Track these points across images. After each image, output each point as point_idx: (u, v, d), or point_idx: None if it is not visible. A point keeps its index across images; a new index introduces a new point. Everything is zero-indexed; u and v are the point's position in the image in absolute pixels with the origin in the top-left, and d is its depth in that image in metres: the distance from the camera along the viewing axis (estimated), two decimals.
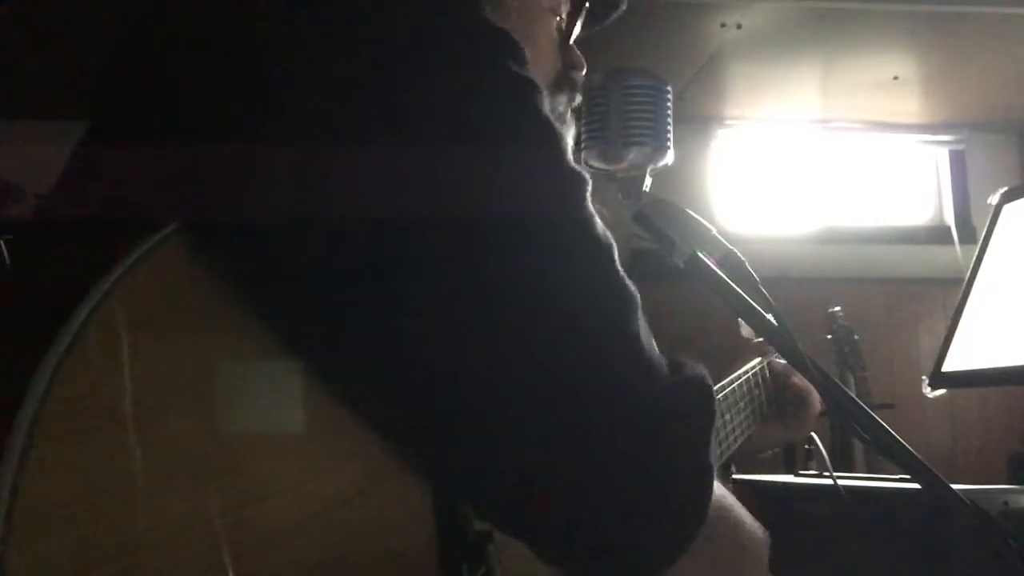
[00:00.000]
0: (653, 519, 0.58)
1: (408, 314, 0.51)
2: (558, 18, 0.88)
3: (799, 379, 1.26)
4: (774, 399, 1.28)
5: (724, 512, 0.66)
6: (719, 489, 0.64)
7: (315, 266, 0.51)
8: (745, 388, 1.20)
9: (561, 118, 0.92)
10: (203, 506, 0.48)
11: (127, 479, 0.45)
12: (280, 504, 0.51)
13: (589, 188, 0.58)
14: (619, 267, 0.59)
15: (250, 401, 0.52)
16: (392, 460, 0.59)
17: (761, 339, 1.30)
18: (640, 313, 0.60)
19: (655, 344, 0.61)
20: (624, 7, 0.96)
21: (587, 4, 0.89)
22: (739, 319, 1.31)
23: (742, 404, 1.20)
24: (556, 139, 0.58)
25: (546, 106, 0.59)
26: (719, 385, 1.16)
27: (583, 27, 0.92)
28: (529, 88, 0.58)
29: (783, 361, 1.27)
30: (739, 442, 1.18)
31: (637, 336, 0.59)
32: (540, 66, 0.89)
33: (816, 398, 1.26)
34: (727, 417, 1.13)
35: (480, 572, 0.64)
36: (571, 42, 0.90)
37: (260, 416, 0.52)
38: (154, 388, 0.47)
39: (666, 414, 0.59)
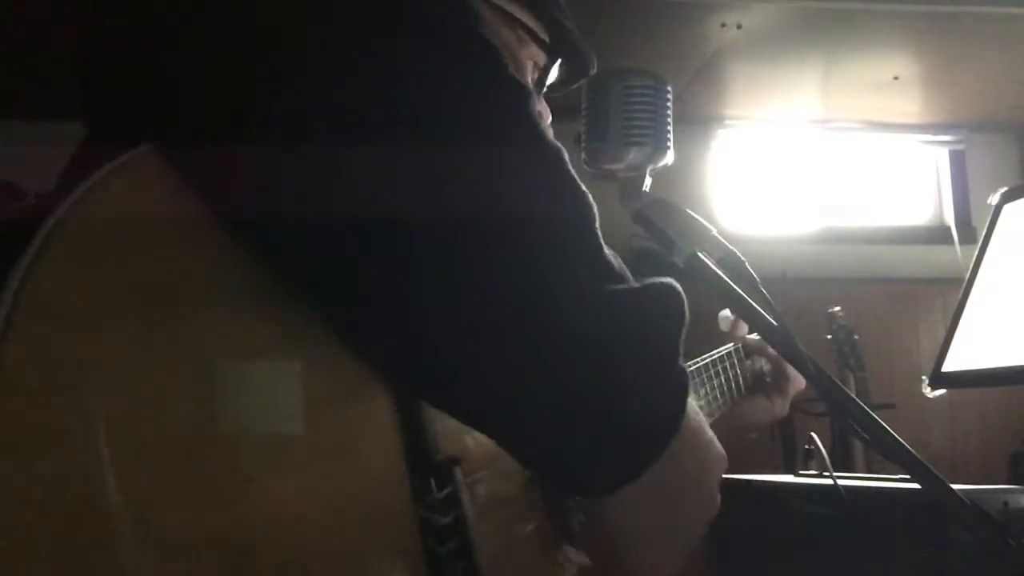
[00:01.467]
0: (620, 421, 0.55)
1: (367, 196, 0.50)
2: (533, 65, 0.90)
3: (772, 351, 1.29)
4: (751, 375, 1.31)
5: (696, 430, 0.63)
6: (690, 404, 0.61)
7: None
8: (715, 369, 1.23)
9: None
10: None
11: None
12: (242, 412, 0.52)
13: (532, 99, 0.56)
14: (572, 171, 0.57)
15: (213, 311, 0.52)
16: (356, 374, 0.59)
17: (739, 332, 1.33)
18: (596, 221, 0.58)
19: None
20: (592, 72, 0.96)
21: (559, 60, 0.90)
22: (719, 314, 1.33)
23: (713, 383, 1.23)
24: (493, 52, 0.55)
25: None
26: (693, 361, 1.19)
27: (552, 88, 0.94)
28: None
29: (756, 337, 1.31)
30: (712, 418, 1.20)
31: (596, 235, 0.56)
32: None
33: (792, 368, 1.29)
34: (699, 393, 1.16)
35: (446, 491, 0.64)
36: (542, 92, 0.93)
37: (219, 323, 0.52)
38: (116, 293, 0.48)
39: (631, 308, 0.56)
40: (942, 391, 1.38)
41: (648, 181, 0.82)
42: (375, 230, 0.50)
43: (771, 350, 1.30)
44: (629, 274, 0.59)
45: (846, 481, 1.23)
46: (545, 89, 0.93)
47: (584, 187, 0.57)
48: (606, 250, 0.57)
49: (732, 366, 1.28)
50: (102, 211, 0.48)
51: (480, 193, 0.52)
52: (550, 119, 0.96)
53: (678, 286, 0.61)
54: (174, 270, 0.51)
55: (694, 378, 1.18)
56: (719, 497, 0.67)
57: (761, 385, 1.33)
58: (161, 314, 0.50)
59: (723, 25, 2.54)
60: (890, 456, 0.74)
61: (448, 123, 0.52)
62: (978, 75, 2.91)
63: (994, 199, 1.48)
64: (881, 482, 1.22)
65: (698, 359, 1.23)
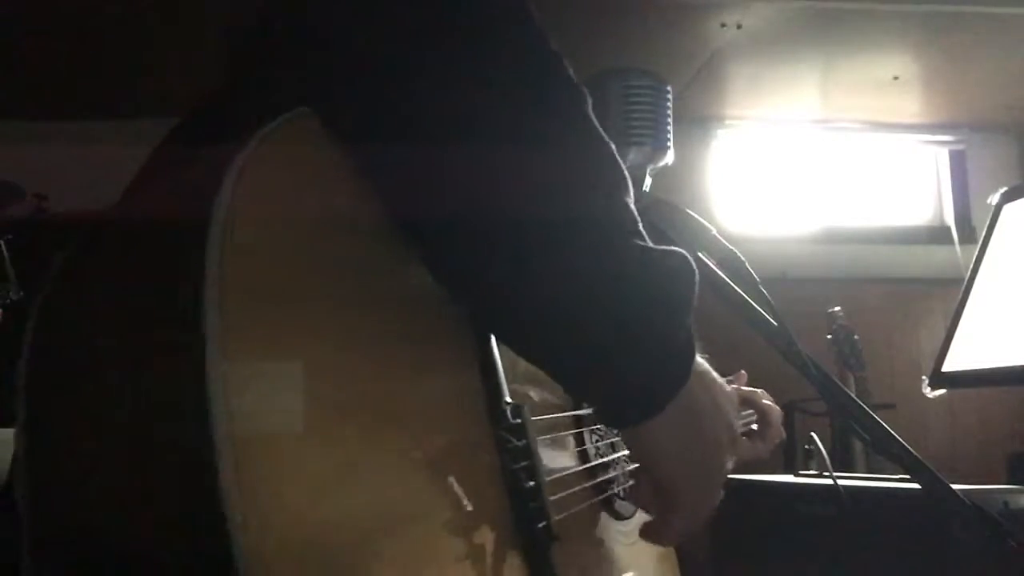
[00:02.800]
0: (648, 361, 0.65)
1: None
2: None
3: (764, 401, 1.32)
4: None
5: (705, 370, 0.73)
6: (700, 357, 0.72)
7: None
8: None
9: None
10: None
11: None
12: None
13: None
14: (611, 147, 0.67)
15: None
16: (445, 331, 0.69)
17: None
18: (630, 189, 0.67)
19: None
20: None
21: None
22: None
23: None
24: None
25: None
26: None
27: None
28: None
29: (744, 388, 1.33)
30: None
31: (630, 200, 0.66)
32: None
33: (773, 418, 1.32)
34: None
35: (517, 421, 0.73)
36: None
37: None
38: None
39: (659, 264, 0.66)
40: (942, 391, 1.38)
41: (648, 181, 0.82)
42: (476, 204, 0.60)
43: (755, 400, 1.33)
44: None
45: (846, 481, 1.23)
46: None
47: (616, 158, 0.67)
48: (633, 214, 0.67)
49: None
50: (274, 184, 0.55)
51: (533, 165, 0.61)
52: None
53: (689, 256, 0.70)
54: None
55: None
56: (736, 424, 0.77)
57: (747, 433, 1.35)
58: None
59: (723, 25, 2.54)
60: (890, 456, 0.74)
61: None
62: (978, 75, 2.91)
63: (994, 199, 1.48)
64: (881, 482, 1.22)
65: None
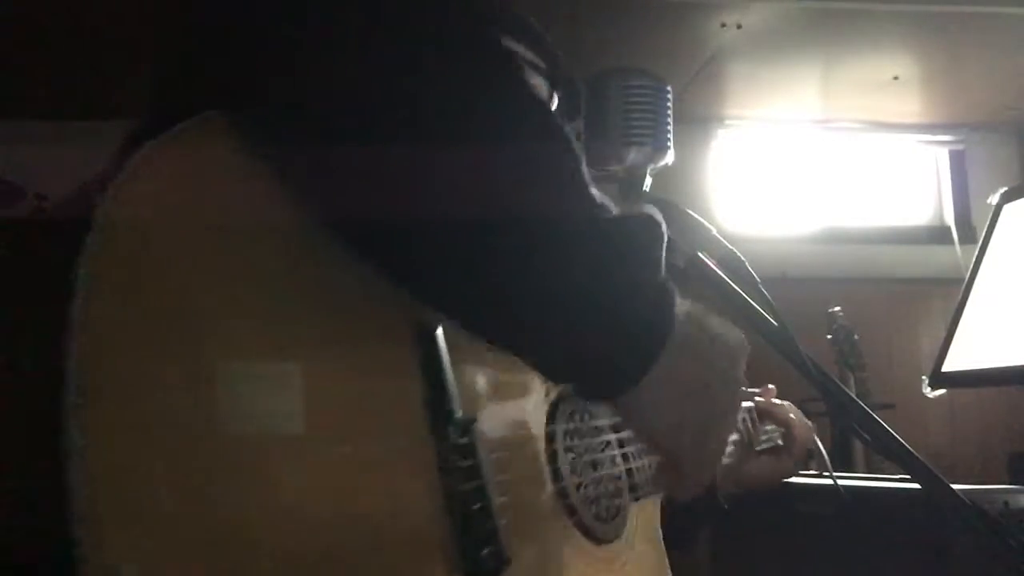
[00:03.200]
0: (611, 332, 0.64)
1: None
2: None
3: (792, 416, 1.31)
4: (764, 439, 1.33)
5: (697, 326, 0.71)
6: (688, 309, 0.70)
7: None
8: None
9: None
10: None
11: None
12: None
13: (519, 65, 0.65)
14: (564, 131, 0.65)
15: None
16: (386, 335, 0.65)
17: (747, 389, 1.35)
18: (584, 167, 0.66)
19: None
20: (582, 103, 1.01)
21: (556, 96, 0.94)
22: None
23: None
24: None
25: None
26: None
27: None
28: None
29: (772, 400, 1.33)
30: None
31: (579, 170, 0.64)
32: None
33: (798, 431, 1.30)
34: None
35: (465, 440, 0.68)
36: None
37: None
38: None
39: (615, 232, 0.64)
40: (942, 391, 1.38)
41: (648, 181, 0.82)
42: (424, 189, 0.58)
43: (778, 413, 1.31)
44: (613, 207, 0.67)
45: (846, 481, 1.23)
46: None
47: (572, 144, 0.65)
48: (592, 187, 0.65)
49: (745, 421, 1.29)
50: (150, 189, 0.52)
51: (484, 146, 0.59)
52: None
53: (658, 215, 0.70)
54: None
55: None
56: (742, 379, 0.75)
57: (772, 449, 1.34)
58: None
59: (723, 25, 2.54)
60: (890, 456, 0.74)
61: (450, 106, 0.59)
62: (978, 75, 2.91)
63: (994, 199, 1.48)
64: (881, 482, 1.22)
65: None
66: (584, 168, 0.65)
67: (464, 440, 0.68)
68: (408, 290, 0.63)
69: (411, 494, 0.63)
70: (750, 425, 1.30)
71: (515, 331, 0.64)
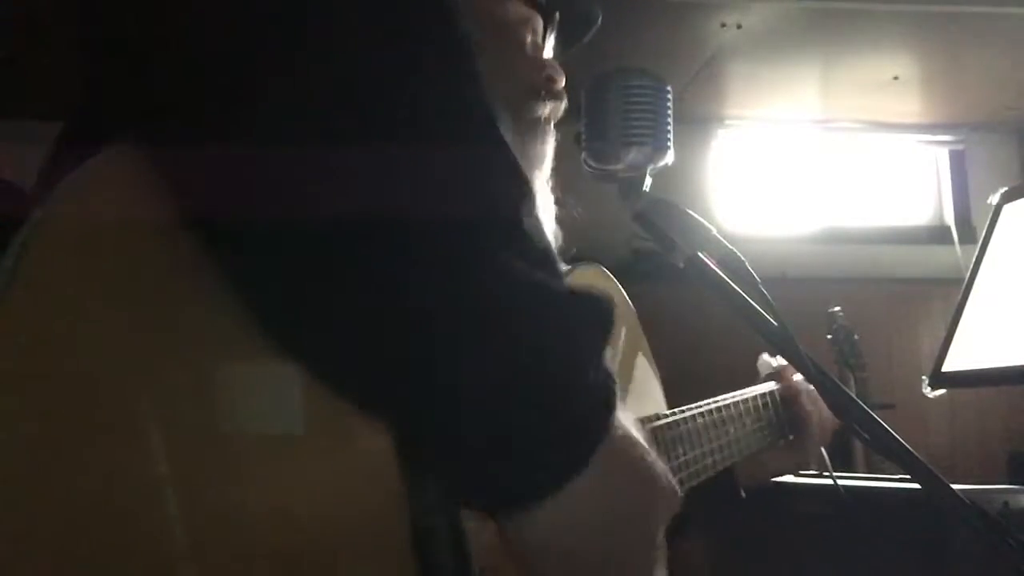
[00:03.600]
0: (535, 424, 0.50)
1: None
2: (529, 32, 0.90)
3: (808, 406, 1.27)
4: (782, 420, 1.29)
5: (628, 443, 0.56)
6: (625, 425, 0.56)
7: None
8: (752, 405, 1.22)
9: (540, 126, 0.95)
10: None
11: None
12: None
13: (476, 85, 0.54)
14: (507, 152, 0.54)
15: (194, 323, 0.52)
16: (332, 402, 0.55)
17: (776, 367, 1.32)
18: (535, 208, 0.54)
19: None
20: (598, 23, 0.97)
21: (556, 17, 0.90)
22: (759, 361, 1.32)
23: (748, 420, 1.21)
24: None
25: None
26: (728, 395, 1.18)
27: (563, 44, 0.94)
28: None
29: (796, 384, 1.29)
30: (743, 454, 1.18)
31: (520, 222, 0.53)
32: (512, 75, 0.92)
33: (814, 427, 1.28)
34: (730, 428, 1.14)
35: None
36: (549, 54, 0.93)
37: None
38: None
39: (563, 309, 0.53)
40: (942, 391, 1.38)
41: (648, 181, 0.82)
42: (301, 229, 0.48)
43: (799, 405, 1.27)
44: (560, 267, 0.56)
45: (846, 481, 1.23)
46: (552, 53, 0.94)
47: (518, 167, 0.54)
48: (535, 238, 0.53)
49: (768, 406, 1.26)
50: (77, 214, 0.49)
51: (401, 181, 0.49)
52: (561, 81, 0.95)
53: (608, 297, 0.57)
54: (150, 272, 0.51)
55: (728, 409, 1.16)
56: (660, 538, 0.58)
57: (794, 433, 1.30)
58: (136, 317, 0.49)
59: (723, 25, 2.54)
60: (890, 456, 0.74)
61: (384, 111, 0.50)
62: (978, 75, 2.91)
63: (994, 199, 1.48)
64: (881, 482, 1.22)
65: (737, 392, 1.21)
66: (537, 211, 0.54)
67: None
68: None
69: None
70: (773, 413, 1.26)
71: (410, 411, 0.51)
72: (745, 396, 1.23)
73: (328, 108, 0.49)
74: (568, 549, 0.53)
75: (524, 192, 0.54)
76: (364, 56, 0.50)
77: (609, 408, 0.53)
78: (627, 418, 0.57)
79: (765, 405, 1.26)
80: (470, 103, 0.53)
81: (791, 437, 1.29)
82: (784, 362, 1.32)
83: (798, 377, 1.30)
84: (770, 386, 1.29)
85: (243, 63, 0.50)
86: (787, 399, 1.29)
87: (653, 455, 0.58)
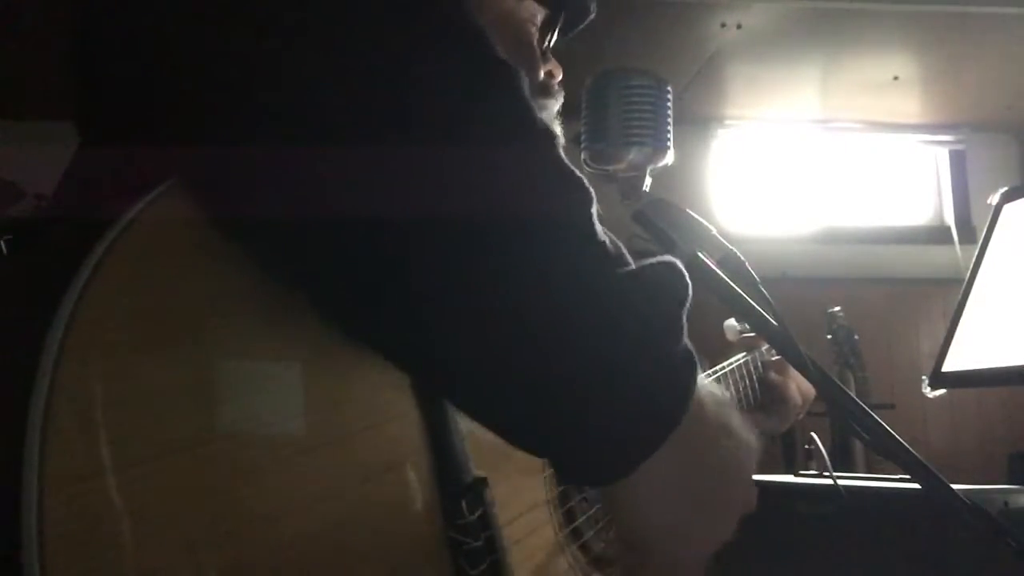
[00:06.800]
0: (624, 404, 0.54)
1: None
2: (534, 28, 0.90)
3: (775, 375, 1.29)
4: (757, 392, 1.32)
5: (715, 414, 0.61)
6: (707, 392, 0.61)
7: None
8: (730, 379, 1.23)
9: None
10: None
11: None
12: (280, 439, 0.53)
13: (520, 80, 0.55)
14: (562, 156, 0.57)
15: (247, 343, 0.53)
16: (387, 397, 0.61)
17: (746, 335, 1.33)
18: (595, 208, 0.57)
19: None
20: (593, 15, 0.97)
21: (562, 15, 0.91)
22: (724, 324, 1.34)
23: (730, 392, 1.24)
24: (478, 35, 0.55)
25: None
26: (706, 373, 1.19)
27: (559, 34, 0.94)
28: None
29: (770, 357, 1.32)
30: None
31: (590, 220, 0.56)
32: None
33: (793, 393, 1.29)
34: None
35: (478, 512, 0.65)
36: (548, 50, 0.93)
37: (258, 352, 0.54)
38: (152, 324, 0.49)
39: (630, 290, 0.56)
40: (942, 391, 1.38)
41: (648, 181, 0.82)
42: (372, 232, 0.50)
43: (774, 373, 1.31)
44: (628, 255, 0.59)
45: (846, 481, 1.23)
46: (551, 44, 0.94)
47: (577, 171, 0.57)
48: (602, 235, 0.56)
49: (743, 378, 1.28)
50: (158, 237, 0.50)
51: (473, 189, 0.52)
52: (560, 76, 0.96)
53: (679, 263, 0.61)
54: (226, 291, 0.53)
55: (724, 381, 1.20)
56: (754, 489, 0.66)
57: (761, 404, 1.33)
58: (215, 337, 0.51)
59: (723, 25, 2.54)
60: (890, 456, 0.74)
61: (437, 119, 0.51)
62: (978, 75, 2.91)
63: (994, 199, 1.48)
64: (881, 482, 1.22)
65: (714, 369, 1.23)
66: (591, 208, 0.56)
67: (477, 513, 0.64)
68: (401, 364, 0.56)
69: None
70: (747, 380, 1.28)
71: (501, 408, 0.55)
72: (724, 371, 1.24)
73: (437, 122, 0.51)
74: (666, 500, 0.59)
75: (583, 193, 0.56)
76: (438, 68, 0.52)
77: (690, 377, 0.58)
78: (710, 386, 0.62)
79: (741, 377, 1.28)
80: (527, 108, 0.55)
81: (764, 404, 1.31)
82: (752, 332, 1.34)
83: (766, 346, 1.33)
84: (740, 357, 1.31)
85: (315, 69, 0.50)
86: (761, 367, 1.31)
87: (725, 406, 0.63)
